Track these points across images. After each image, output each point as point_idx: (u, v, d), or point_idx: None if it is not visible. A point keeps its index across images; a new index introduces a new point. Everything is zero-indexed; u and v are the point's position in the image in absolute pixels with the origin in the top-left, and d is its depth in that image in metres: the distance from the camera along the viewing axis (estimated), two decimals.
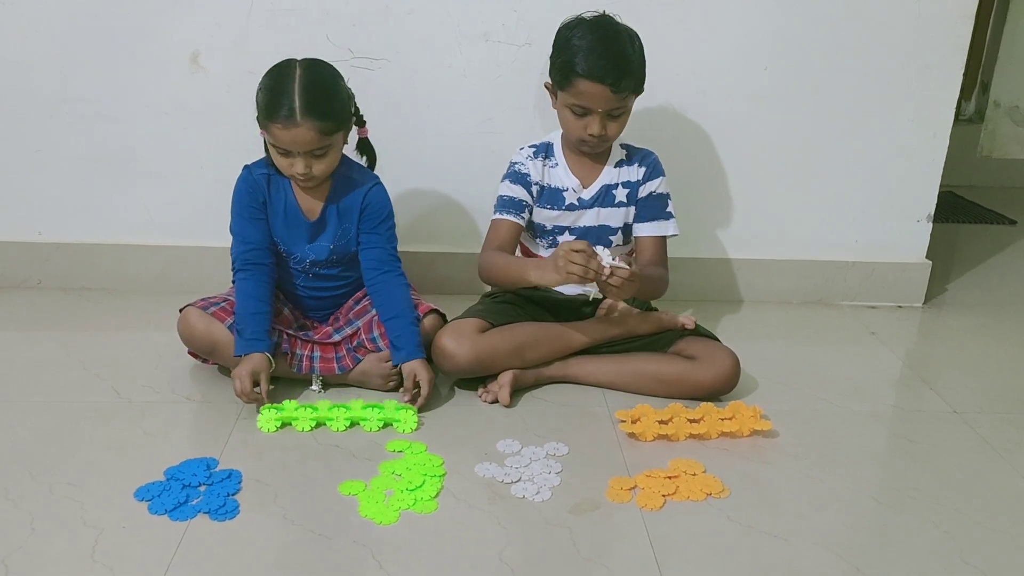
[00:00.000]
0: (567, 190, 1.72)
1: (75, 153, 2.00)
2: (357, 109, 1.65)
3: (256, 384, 1.51)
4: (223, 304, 1.63)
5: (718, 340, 1.69)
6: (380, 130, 1.74)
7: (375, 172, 1.72)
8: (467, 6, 1.93)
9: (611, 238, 1.74)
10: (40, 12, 1.90)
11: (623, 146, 1.75)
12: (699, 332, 1.70)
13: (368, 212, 1.66)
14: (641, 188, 1.73)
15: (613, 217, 1.73)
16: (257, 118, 1.57)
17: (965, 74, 2.06)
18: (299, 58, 1.57)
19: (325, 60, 1.60)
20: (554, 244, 1.73)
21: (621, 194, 1.73)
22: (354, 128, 1.66)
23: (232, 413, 1.53)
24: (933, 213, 2.15)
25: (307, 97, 1.50)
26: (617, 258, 1.52)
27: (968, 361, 1.91)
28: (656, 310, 1.77)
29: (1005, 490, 1.40)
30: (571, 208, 1.72)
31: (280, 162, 1.57)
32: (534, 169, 1.71)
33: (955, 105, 2.07)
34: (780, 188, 2.12)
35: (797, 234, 2.16)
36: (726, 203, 2.12)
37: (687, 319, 1.69)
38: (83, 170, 2.02)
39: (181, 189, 2.04)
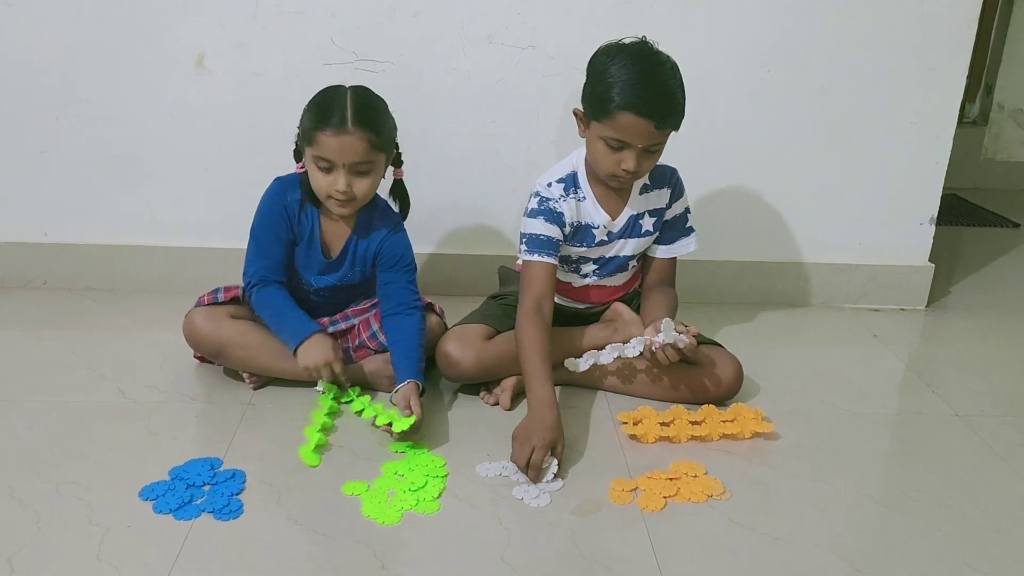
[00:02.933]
0: (598, 227, 1.63)
1: (81, 154, 2.01)
2: (397, 146, 1.63)
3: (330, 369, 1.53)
4: (221, 290, 1.64)
5: (721, 346, 1.69)
6: None
7: (404, 219, 1.69)
8: (471, 9, 1.94)
9: (631, 264, 1.71)
10: (45, 14, 1.91)
11: None
12: (700, 340, 1.68)
13: (383, 256, 1.64)
14: (667, 212, 1.69)
15: (639, 247, 1.68)
16: (298, 141, 1.56)
17: (969, 76, 2.06)
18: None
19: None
20: (576, 271, 1.69)
21: (648, 223, 1.66)
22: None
23: (237, 413, 1.54)
24: (936, 216, 2.16)
25: (358, 107, 1.50)
26: (670, 333, 1.49)
27: (971, 364, 1.91)
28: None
29: (1007, 493, 1.41)
30: (600, 244, 1.65)
31: (320, 182, 1.53)
32: (568, 209, 1.60)
33: (959, 107, 2.07)
34: (783, 190, 2.12)
35: (800, 236, 2.16)
36: (729, 205, 2.12)
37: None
38: (89, 171, 2.03)
39: (186, 190, 2.05)
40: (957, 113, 2.07)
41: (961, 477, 1.44)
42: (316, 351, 1.52)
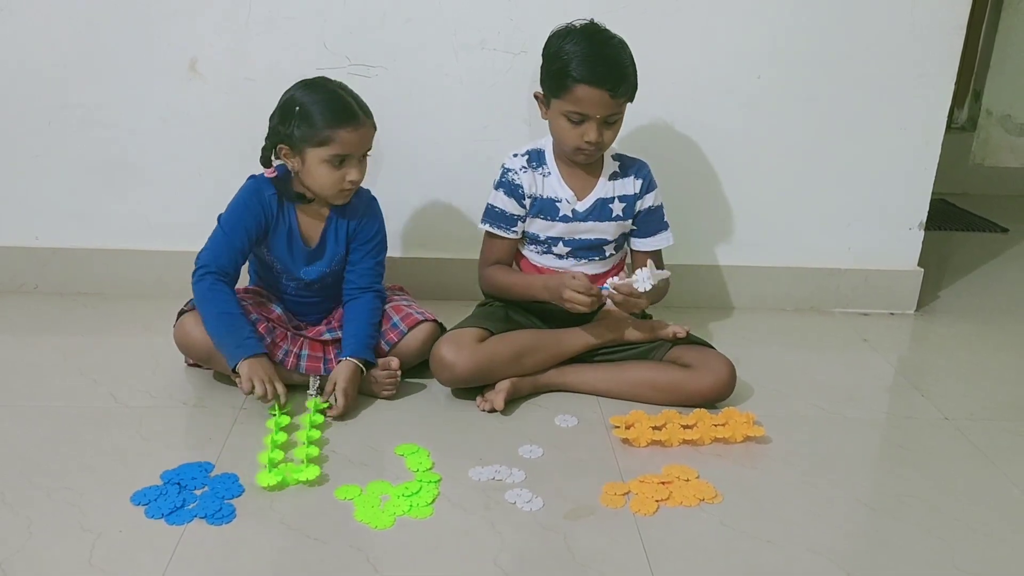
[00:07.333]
0: (561, 201, 1.69)
1: (73, 159, 2.01)
2: None
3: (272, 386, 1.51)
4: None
5: (713, 347, 1.70)
6: (376, 137, 1.74)
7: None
8: (463, 15, 1.95)
9: (605, 248, 1.73)
10: (39, 19, 1.91)
11: (615, 157, 1.73)
12: (692, 340, 1.70)
13: (360, 233, 1.69)
14: (639, 203, 1.72)
15: (609, 230, 1.71)
16: (295, 140, 1.56)
17: (957, 82, 2.07)
18: (310, 77, 1.62)
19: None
20: (548, 252, 1.73)
21: (617, 208, 1.71)
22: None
23: (229, 417, 1.54)
24: (925, 221, 2.17)
25: (357, 99, 1.59)
26: (615, 280, 1.57)
27: (959, 368, 1.92)
28: (650, 317, 1.78)
29: (997, 496, 1.42)
30: (565, 220, 1.70)
31: (332, 177, 1.57)
32: (527, 180, 1.69)
33: (947, 113, 2.09)
34: (773, 196, 2.14)
35: (790, 241, 2.17)
36: (720, 211, 2.14)
37: (679, 329, 1.68)
38: (81, 175, 2.02)
39: (178, 194, 2.05)
40: (946, 119, 2.09)
41: (951, 480, 1.45)
42: (260, 369, 1.51)
